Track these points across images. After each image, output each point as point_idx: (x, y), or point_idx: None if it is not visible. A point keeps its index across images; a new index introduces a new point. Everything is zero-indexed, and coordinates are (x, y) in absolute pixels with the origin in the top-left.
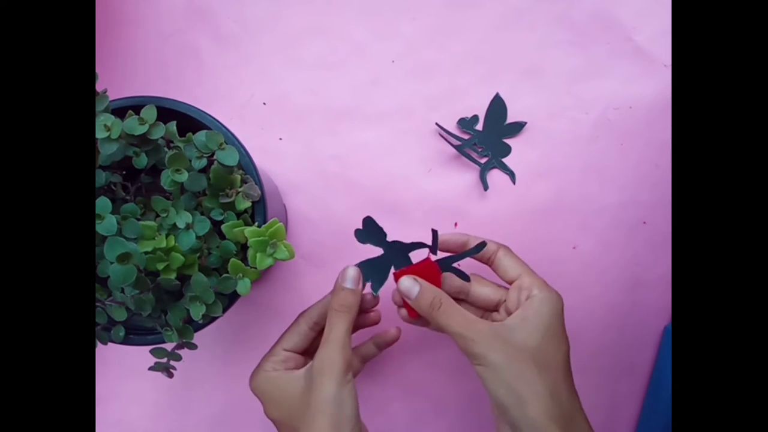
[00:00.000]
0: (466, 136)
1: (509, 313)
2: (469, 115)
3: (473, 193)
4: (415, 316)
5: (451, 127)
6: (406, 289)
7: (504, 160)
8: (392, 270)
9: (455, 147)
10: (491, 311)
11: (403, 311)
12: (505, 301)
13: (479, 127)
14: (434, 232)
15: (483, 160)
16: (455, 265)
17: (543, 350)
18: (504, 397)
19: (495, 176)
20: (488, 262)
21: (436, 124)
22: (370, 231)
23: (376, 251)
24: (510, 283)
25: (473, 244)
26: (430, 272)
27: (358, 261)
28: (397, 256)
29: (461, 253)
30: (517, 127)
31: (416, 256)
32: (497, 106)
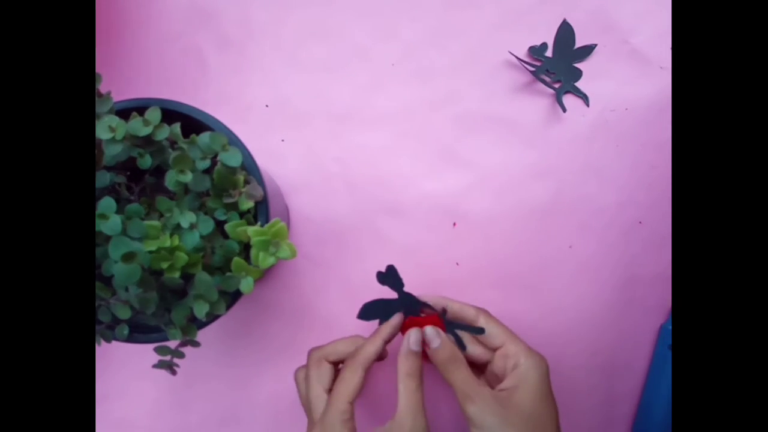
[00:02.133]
0: (538, 63)
1: (496, 379)
2: (538, 43)
3: (472, 192)
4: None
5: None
6: (429, 337)
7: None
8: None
9: (531, 72)
10: (477, 373)
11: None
12: (489, 364)
13: (549, 53)
14: (444, 311)
15: (556, 85)
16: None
17: (536, 415)
18: None
19: (495, 178)
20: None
21: (510, 52)
22: (391, 277)
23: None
24: (494, 349)
25: (452, 308)
26: (436, 326)
27: (358, 260)
28: (408, 305)
29: (465, 325)
30: (587, 50)
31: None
32: (565, 32)
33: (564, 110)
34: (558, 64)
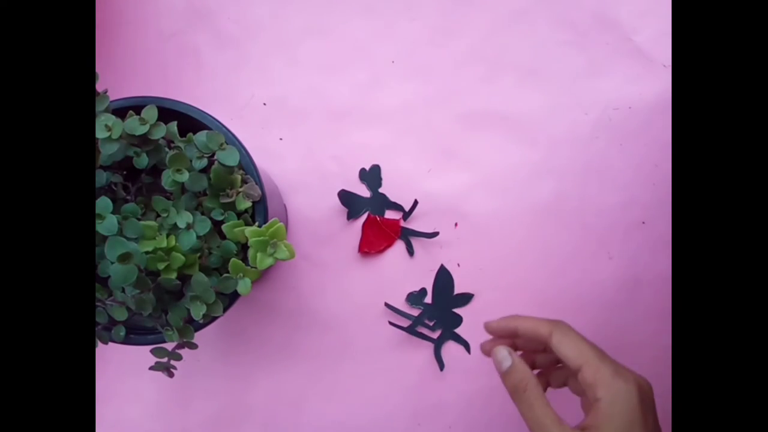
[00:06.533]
0: (416, 312)
1: (585, 395)
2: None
3: (473, 192)
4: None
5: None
6: (497, 360)
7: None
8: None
9: (406, 329)
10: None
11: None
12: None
13: (428, 300)
14: (415, 202)
15: (436, 335)
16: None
17: None
18: None
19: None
20: (543, 348)
21: (386, 304)
22: (371, 175)
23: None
24: (575, 372)
25: (524, 327)
26: (393, 229)
27: (357, 262)
28: (376, 206)
29: (419, 232)
30: (466, 298)
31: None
32: (444, 277)
33: (442, 368)
34: (437, 311)
